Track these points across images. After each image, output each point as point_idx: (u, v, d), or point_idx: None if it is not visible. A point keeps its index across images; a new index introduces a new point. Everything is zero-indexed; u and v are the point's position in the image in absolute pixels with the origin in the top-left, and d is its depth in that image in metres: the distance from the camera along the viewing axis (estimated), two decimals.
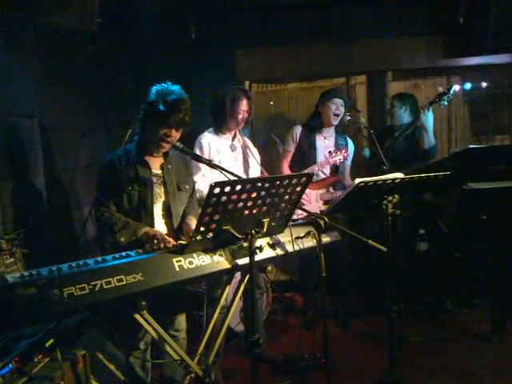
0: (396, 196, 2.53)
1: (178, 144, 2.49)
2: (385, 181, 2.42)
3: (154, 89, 2.51)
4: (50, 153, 3.38)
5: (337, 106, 3.86)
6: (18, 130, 3.02)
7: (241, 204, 2.12)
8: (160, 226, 2.60)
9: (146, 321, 2.15)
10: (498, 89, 5.52)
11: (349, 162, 4.07)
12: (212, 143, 3.29)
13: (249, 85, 5.32)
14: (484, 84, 5.56)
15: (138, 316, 2.12)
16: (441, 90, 4.22)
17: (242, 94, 3.31)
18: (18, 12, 2.55)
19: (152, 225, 2.55)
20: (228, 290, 2.50)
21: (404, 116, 4.22)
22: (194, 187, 2.87)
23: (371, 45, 4.98)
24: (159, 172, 2.63)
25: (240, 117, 3.29)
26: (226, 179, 2.30)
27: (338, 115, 3.87)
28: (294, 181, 2.24)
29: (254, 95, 5.40)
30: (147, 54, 4.48)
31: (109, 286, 1.89)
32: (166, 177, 2.62)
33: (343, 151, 3.76)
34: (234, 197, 2.06)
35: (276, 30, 4.85)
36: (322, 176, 3.95)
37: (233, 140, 3.42)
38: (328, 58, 5.02)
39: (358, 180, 2.37)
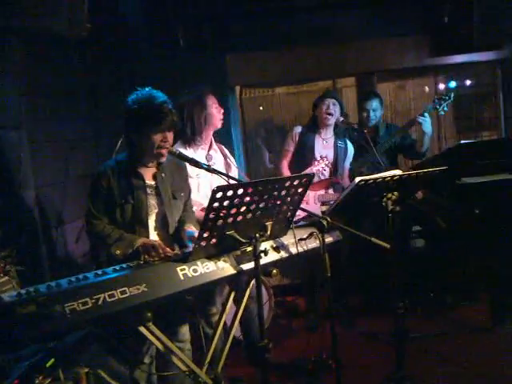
0: (395, 193, 2.50)
1: (175, 150, 2.44)
2: (384, 178, 2.40)
3: (133, 98, 2.44)
4: (39, 165, 3.29)
5: (328, 106, 3.86)
6: (5, 143, 2.93)
7: (243, 208, 2.07)
8: (153, 237, 2.52)
9: (152, 333, 2.08)
10: (482, 87, 5.56)
11: (348, 164, 4.05)
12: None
13: (239, 90, 5.31)
14: (468, 82, 5.59)
15: (142, 328, 2.06)
16: (427, 89, 4.26)
17: (203, 90, 3.15)
18: (5, 18, 2.47)
19: (147, 238, 2.47)
20: (232, 297, 2.43)
21: (377, 116, 4.24)
22: (190, 193, 2.79)
23: (360, 47, 4.99)
24: (153, 183, 2.55)
25: (216, 111, 3.13)
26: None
27: (330, 114, 3.87)
28: (296, 182, 2.20)
29: (244, 101, 5.39)
30: (137, 62, 4.43)
31: (112, 299, 1.82)
32: (160, 186, 2.55)
33: (325, 159, 3.70)
34: (237, 201, 2.02)
35: (266, 35, 4.83)
36: (321, 177, 3.92)
37: (209, 150, 3.23)
38: (317, 62, 5.01)
39: (358, 179, 2.35)
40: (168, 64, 4.52)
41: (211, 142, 3.24)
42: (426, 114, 3.92)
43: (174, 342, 2.57)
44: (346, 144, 4.03)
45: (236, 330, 3.63)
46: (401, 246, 4.34)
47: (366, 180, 2.34)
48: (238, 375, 3.30)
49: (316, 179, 3.80)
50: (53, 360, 2.23)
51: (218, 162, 3.27)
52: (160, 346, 2.16)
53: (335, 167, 3.96)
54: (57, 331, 1.73)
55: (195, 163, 2.44)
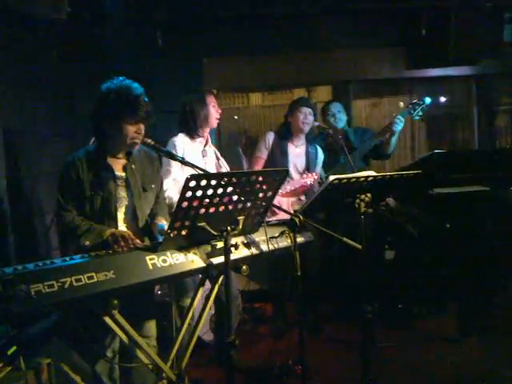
0: (368, 195, 2.53)
1: (149, 141, 2.43)
2: (358, 178, 2.42)
3: (109, 86, 2.42)
4: (11, 156, 3.24)
5: (305, 115, 3.89)
6: None
7: (216, 199, 2.07)
8: (124, 229, 2.49)
9: (117, 323, 2.05)
10: (456, 105, 5.70)
11: (318, 170, 4.08)
12: (186, 145, 3.24)
13: (216, 93, 5.32)
14: (443, 99, 5.72)
15: (108, 319, 2.03)
16: (401, 104, 4.35)
17: (206, 91, 3.38)
18: None
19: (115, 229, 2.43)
20: (201, 294, 2.41)
21: (343, 118, 4.31)
22: (161, 185, 2.77)
23: (336, 56, 5.08)
24: (123, 174, 2.52)
25: (214, 110, 3.31)
26: None
27: (307, 123, 3.90)
28: (271, 177, 2.21)
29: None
30: (114, 59, 4.40)
31: (79, 284, 1.79)
32: (130, 178, 2.51)
33: (314, 175, 3.77)
34: (210, 191, 2.02)
35: (243, 39, 4.88)
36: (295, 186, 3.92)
37: (204, 146, 3.39)
38: (294, 68, 5.08)
39: (332, 177, 2.36)
40: (145, 65, 4.50)
41: (207, 140, 3.40)
42: (401, 117, 3.99)
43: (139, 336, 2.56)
44: (316, 150, 4.07)
45: (207, 332, 3.66)
46: (374, 256, 4.42)
47: (340, 179, 2.36)
48: (202, 377, 3.26)
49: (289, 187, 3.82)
50: (15, 348, 2.17)
51: (211, 160, 3.41)
52: (124, 338, 2.13)
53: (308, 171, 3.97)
54: (21, 312, 1.69)
55: (170, 155, 2.43)
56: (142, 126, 2.44)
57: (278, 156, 3.90)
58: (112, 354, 2.54)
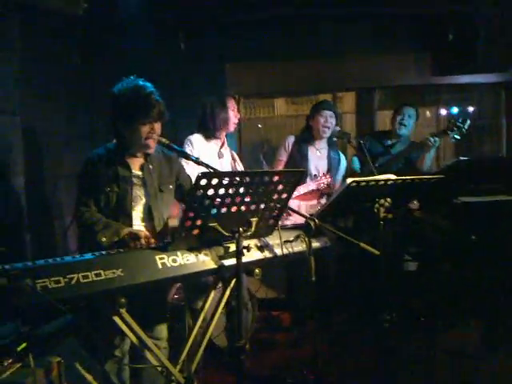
0: (388, 200, 2.45)
1: (164, 140, 2.40)
2: (377, 182, 2.34)
3: (119, 88, 2.42)
4: (31, 154, 3.26)
5: (326, 119, 3.82)
6: None
7: (228, 199, 2.03)
8: (141, 228, 2.47)
9: (125, 322, 2.01)
10: (484, 115, 5.53)
11: (340, 177, 4.00)
12: (201, 145, 3.25)
13: (237, 98, 5.29)
14: (471, 109, 5.57)
15: (116, 318, 2.00)
16: (428, 114, 4.21)
17: (231, 98, 3.37)
18: None
19: (130, 227, 2.43)
20: (213, 296, 2.37)
21: (409, 127, 4.13)
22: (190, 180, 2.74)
23: (360, 61, 5.00)
24: (139, 173, 2.52)
25: (234, 115, 3.33)
26: None
27: (327, 127, 3.83)
28: (285, 178, 2.16)
29: (243, 123, 5.37)
30: (136, 63, 4.43)
31: (86, 280, 1.77)
32: (146, 178, 2.51)
33: (327, 176, 3.71)
34: (222, 191, 1.98)
35: (266, 45, 4.85)
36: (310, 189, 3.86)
37: (220, 148, 3.39)
38: (317, 74, 5.03)
39: (350, 179, 2.30)
40: (167, 68, 4.51)
41: (223, 142, 3.42)
42: (437, 139, 3.86)
43: (150, 338, 2.52)
44: (339, 156, 4.00)
45: (221, 339, 3.61)
46: (394, 267, 4.31)
47: (359, 182, 2.29)
48: (214, 382, 3.20)
49: (309, 190, 3.76)
50: (25, 345, 2.16)
51: (227, 161, 3.44)
52: (133, 338, 2.10)
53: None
54: (26, 307, 1.68)
55: (184, 155, 2.41)
56: (156, 126, 2.43)
57: (298, 159, 3.84)
58: (121, 355, 2.52)
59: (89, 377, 2.64)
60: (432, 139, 3.81)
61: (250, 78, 5.05)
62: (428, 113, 5.55)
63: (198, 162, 2.38)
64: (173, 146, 2.41)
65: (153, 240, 2.29)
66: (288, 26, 4.87)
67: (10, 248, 2.44)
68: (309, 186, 3.70)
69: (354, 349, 3.71)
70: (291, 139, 3.94)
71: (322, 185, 3.67)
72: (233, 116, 3.34)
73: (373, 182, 2.32)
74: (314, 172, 3.86)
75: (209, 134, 3.31)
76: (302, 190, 3.65)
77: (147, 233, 2.33)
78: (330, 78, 5.05)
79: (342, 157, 4.04)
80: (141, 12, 4.11)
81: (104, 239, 2.31)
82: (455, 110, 5.30)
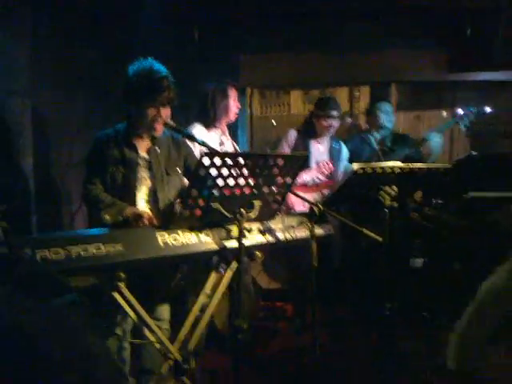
0: (394, 187, 2.43)
1: (171, 123, 2.41)
2: (384, 169, 2.33)
3: (134, 68, 2.44)
4: (41, 138, 3.28)
5: (330, 123, 3.80)
6: (9, 108, 2.93)
7: (231, 181, 2.04)
8: (145, 210, 2.48)
9: (125, 298, 2.03)
10: (503, 115, 5.43)
11: (341, 168, 3.98)
12: (202, 134, 3.21)
13: (250, 91, 5.28)
14: (488, 110, 5.45)
15: (116, 294, 2.01)
16: (444, 114, 4.14)
17: (228, 83, 3.34)
18: None
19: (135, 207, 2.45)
20: (213, 278, 2.37)
21: (390, 119, 4.12)
22: None
23: (376, 56, 4.93)
24: (146, 156, 2.53)
25: (234, 105, 3.31)
26: None
27: (331, 127, 3.83)
28: (289, 162, 2.16)
29: (256, 120, 5.35)
30: (150, 53, 4.44)
31: (86, 254, 1.79)
32: (153, 161, 2.52)
33: (330, 165, 3.72)
34: (225, 172, 1.98)
35: (280, 37, 4.83)
36: (317, 181, 3.87)
37: (221, 136, 3.38)
38: (332, 68, 4.98)
39: (356, 166, 2.28)
40: (181, 60, 4.50)
41: (224, 131, 3.41)
42: (436, 134, 3.81)
43: (152, 319, 2.54)
44: (340, 146, 3.98)
45: (224, 325, 3.62)
46: (400, 258, 4.28)
47: (365, 168, 2.28)
48: (216, 367, 3.21)
49: (312, 182, 3.78)
50: None
51: (228, 149, 3.42)
52: (132, 315, 2.11)
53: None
54: (26, 277, 1.70)
55: (190, 137, 2.41)
56: (163, 110, 2.44)
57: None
58: (122, 333, 2.53)
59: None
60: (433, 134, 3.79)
61: (265, 70, 5.00)
62: (444, 113, 5.48)
63: (204, 144, 2.38)
64: (180, 129, 2.42)
65: (155, 221, 2.31)
66: (304, 20, 4.83)
67: (16, 229, 2.48)
68: (312, 174, 3.71)
69: (354, 338, 3.71)
70: (293, 133, 3.93)
71: (325, 171, 3.67)
72: (233, 105, 3.31)
73: (379, 169, 2.30)
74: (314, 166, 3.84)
75: (209, 123, 3.29)
76: (304, 176, 3.66)
77: (150, 213, 2.34)
78: (344, 71, 4.99)
79: (343, 146, 4.02)
80: (156, 2, 4.12)
81: (108, 217, 2.33)
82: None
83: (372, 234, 2.34)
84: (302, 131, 3.95)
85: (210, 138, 3.27)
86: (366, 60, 4.96)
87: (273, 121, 5.25)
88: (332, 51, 4.91)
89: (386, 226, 2.42)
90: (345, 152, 3.99)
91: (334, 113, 3.80)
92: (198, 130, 3.24)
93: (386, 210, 2.43)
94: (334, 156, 3.92)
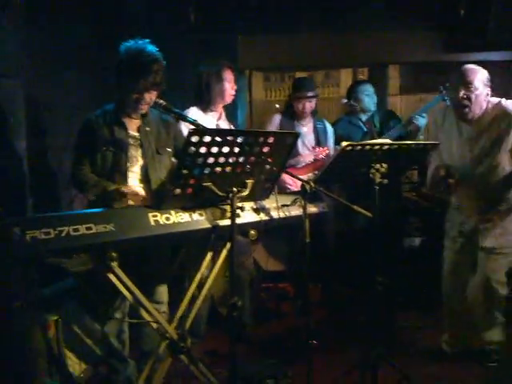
0: (384, 165, 2.43)
1: (160, 101, 2.39)
2: (373, 146, 2.33)
3: (125, 47, 2.44)
4: (34, 120, 3.27)
5: (303, 105, 3.79)
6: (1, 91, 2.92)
7: (222, 159, 2.03)
8: (138, 189, 2.48)
9: (120, 280, 2.04)
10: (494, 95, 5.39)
11: (331, 144, 3.96)
12: (198, 118, 3.16)
13: (249, 73, 5.25)
14: None
15: (111, 275, 2.03)
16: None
17: (224, 64, 3.24)
18: None
19: None
20: (209, 257, 2.38)
21: (374, 101, 4.10)
22: None
23: (372, 37, 4.89)
24: (136, 134, 2.53)
25: (229, 87, 3.22)
26: None
27: (306, 111, 3.83)
28: (280, 140, 2.15)
29: (260, 103, 5.31)
30: (146, 34, 4.41)
31: (76, 234, 1.80)
32: (143, 139, 2.53)
33: (326, 149, 3.73)
34: (215, 149, 1.98)
35: (279, 18, 4.76)
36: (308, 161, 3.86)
37: (218, 120, 3.31)
38: (329, 49, 4.94)
39: (344, 143, 2.28)
40: (177, 42, 4.47)
41: (221, 114, 3.33)
42: (424, 115, 3.79)
43: (150, 302, 2.55)
44: (324, 125, 3.98)
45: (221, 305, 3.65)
46: (397, 241, 4.30)
47: (354, 145, 2.27)
48: (216, 349, 3.24)
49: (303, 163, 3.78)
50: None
51: None
52: (128, 296, 2.13)
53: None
54: (17, 256, 1.72)
55: (181, 116, 2.40)
56: (148, 94, 2.43)
57: None
58: (121, 316, 2.56)
59: (88, 340, 2.72)
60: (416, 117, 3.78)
61: (262, 51, 4.96)
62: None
63: (196, 123, 2.37)
64: (170, 108, 2.39)
65: (141, 198, 2.35)
66: (302, 1, 4.80)
67: (11, 211, 2.49)
68: (307, 158, 3.72)
69: (351, 315, 3.78)
70: (277, 117, 3.91)
71: (321, 156, 3.68)
72: (229, 87, 3.22)
73: (368, 147, 2.30)
74: (301, 148, 3.84)
75: (205, 107, 3.23)
76: (301, 160, 3.69)
77: (135, 190, 2.35)
78: (342, 52, 4.96)
79: (327, 124, 4.02)
80: None
81: (92, 197, 2.37)
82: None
83: (362, 210, 2.35)
84: (285, 114, 3.93)
85: (207, 121, 3.20)
86: (362, 41, 4.93)
87: (277, 105, 5.21)
88: (329, 33, 4.87)
89: (376, 203, 2.42)
90: (330, 130, 3.98)
91: (309, 93, 3.78)
92: (193, 113, 3.18)
93: (376, 188, 2.42)
94: (319, 135, 3.91)
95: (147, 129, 2.55)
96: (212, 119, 3.26)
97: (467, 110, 2.75)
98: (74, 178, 2.52)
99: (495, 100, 2.84)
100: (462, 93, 2.71)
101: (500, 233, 2.89)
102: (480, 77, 2.74)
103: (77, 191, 2.71)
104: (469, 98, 2.72)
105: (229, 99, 3.28)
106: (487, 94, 2.78)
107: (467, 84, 2.71)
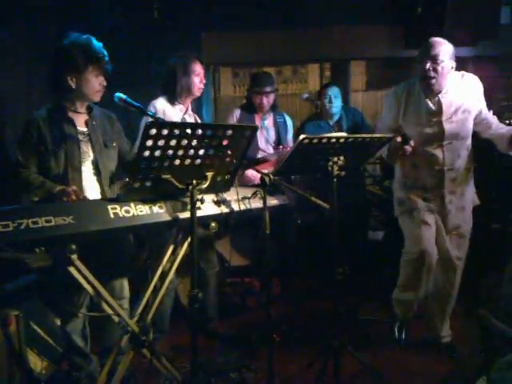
0: (341, 158, 2.49)
1: (121, 95, 2.39)
2: (329, 139, 2.39)
3: (69, 41, 2.43)
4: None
5: (261, 99, 3.83)
6: None
7: (181, 151, 2.06)
8: (92, 183, 2.50)
9: (80, 273, 2.05)
10: None
11: (290, 137, 4.03)
12: (166, 110, 3.16)
13: (213, 69, 5.28)
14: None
15: (72, 269, 2.03)
16: None
17: (193, 57, 3.22)
18: None
19: (80, 183, 2.45)
20: (171, 249, 2.41)
21: (338, 104, 4.19)
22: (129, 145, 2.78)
23: (334, 33, 5.02)
24: (85, 129, 2.53)
25: (197, 80, 3.20)
26: None
27: (264, 105, 3.86)
28: (239, 133, 2.19)
29: (229, 99, 5.31)
30: (108, 29, 4.38)
31: (36, 226, 1.80)
32: (91, 134, 2.53)
33: (287, 148, 3.74)
34: (173, 142, 2.00)
35: (243, 14, 4.81)
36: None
37: (185, 114, 3.30)
38: (291, 45, 5.03)
39: (302, 136, 2.33)
40: (141, 36, 4.48)
41: (187, 108, 3.31)
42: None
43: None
44: (284, 118, 4.03)
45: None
46: (360, 235, 4.40)
47: (311, 138, 2.33)
48: (180, 344, 3.25)
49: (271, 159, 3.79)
50: None
51: None
52: (90, 290, 2.13)
53: (279, 143, 3.92)
54: None
55: (141, 110, 2.40)
56: (102, 79, 2.48)
57: None
58: (85, 310, 2.55)
59: (51, 339, 2.69)
60: None
61: (226, 48, 5.01)
62: None
63: (154, 117, 2.39)
64: (130, 102, 2.40)
65: (83, 195, 2.33)
66: None
67: None
68: (271, 156, 3.75)
69: (314, 307, 3.82)
70: (237, 111, 3.94)
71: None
72: (197, 81, 3.20)
73: (325, 140, 2.36)
74: (263, 142, 3.88)
75: (172, 99, 3.21)
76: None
77: (76, 189, 2.30)
78: (303, 48, 5.04)
79: (287, 117, 4.07)
80: None
81: (36, 199, 2.33)
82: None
83: (320, 202, 2.41)
84: (245, 108, 3.95)
85: (174, 113, 3.20)
86: (324, 37, 5.03)
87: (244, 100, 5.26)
88: (291, 29, 4.95)
89: (333, 195, 2.48)
90: (289, 123, 4.04)
91: (267, 89, 3.81)
92: (160, 104, 3.17)
93: (334, 180, 2.49)
94: (280, 129, 3.95)
95: (94, 123, 2.55)
96: (179, 112, 3.24)
97: (433, 81, 2.77)
98: (17, 179, 2.44)
99: (458, 74, 2.91)
100: (428, 65, 2.75)
101: (460, 208, 2.98)
102: (446, 49, 2.77)
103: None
104: (435, 70, 2.75)
105: (198, 92, 3.26)
106: (452, 68, 2.82)
107: (434, 56, 2.74)
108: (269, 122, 3.96)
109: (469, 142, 2.97)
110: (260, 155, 3.79)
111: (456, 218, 2.98)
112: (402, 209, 3.09)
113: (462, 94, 2.88)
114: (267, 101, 3.84)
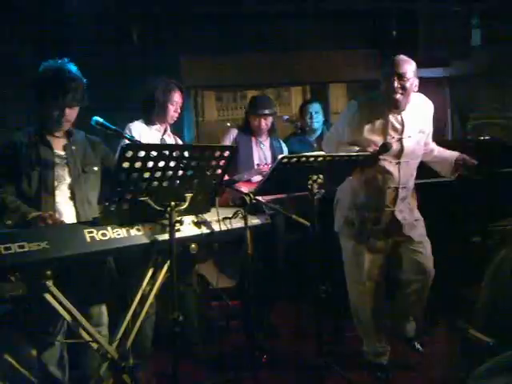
0: (321, 176, 2.50)
1: (98, 119, 2.37)
2: (308, 158, 2.39)
3: (44, 66, 2.42)
4: None
5: (259, 122, 3.80)
6: None
7: (159, 173, 2.04)
8: (67, 207, 2.44)
9: (56, 299, 2.00)
10: None
11: None
12: (142, 132, 3.12)
13: (194, 92, 5.30)
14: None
15: (48, 296, 1.98)
16: None
17: (175, 86, 3.21)
18: None
19: (53, 207, 2.39)
20: (150, 273, 2.37)
21: (320, 119, 4.24)
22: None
23: (312, 57, 5.10)
24: (62, 153, 2.49)
25: (172, 109, 3.18)
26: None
27: (262, 128, 3.84)
28: (217, 153, 2.18)
29: (213, 123, 5.34)
30: (88, 53, 4.38)
31: (8, 252, 1.75)
32: (69, 158, 2.48)
33: (269, 165, 3.68)
34: (150, 164, 1.99)
35: (220, 37, 4.90)
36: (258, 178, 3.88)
37: (163, 135, 3.28)
38: (270, 68, 5.09)
39: (280, 156, 2.34)
40: (120, 60, 4.49)
41: (166, 129, 3.29)
42: None
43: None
44: (280, 144, 4.02)
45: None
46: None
47: (290, 158, 2.34)
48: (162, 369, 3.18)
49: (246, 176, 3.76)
50: None
51: None
52: (67, 317, 2.08)
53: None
54: None
55: (117, 133, 2.39)
56: (70, 110, 2.42)
57: (242, 151, 3.84)
58: (63, 338, 2.48)
59: (25, 370, 2.60)
60: None
61: (204, 71, 5.05)
62: None
63: (132, 140, 2.37)
64: (107, 125, 2.38)
65: (59, 220, 2.27)
66: (242, 21, 4.92)
67: None
68: (251, 174, 3.72)
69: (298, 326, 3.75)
70: (235, 132, 3.90)
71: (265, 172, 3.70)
72: (172, 109, 3.19)
73: (303, 159, 2.37)
74: (256, 159, 3.84)
75: (150, 119, 3.20)
76: (245, 177, 3.68)
77: (53, 214, 2.26)
78: (281, 71, 5.11)
79: (283, 144, 4.06)
80: (94, 3, 4.07)
81: (9, 222, 2.27)
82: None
83: (300, 219, 2.40)
84: (242, 130, 3.93)
85: (151, 135, 3.17)
86: (303, 61, 5.10)
87: (228, 124, 5.29)
88: (270, 52, 5.01)
89: (314, 213, 2.48)
90: (285, 150, 4.04)
91: (265, 111, 3.79)
92: (136, 126, 3.15)
93: (315, 198, 2.48)
94: (276, 154, 3.92)
95: (73, 148, 2.51)
96: (157, 133, 3.23)
97: (401, 98, 2.76)
98: None
99: (416, 94, 2.91)
100: (396, 82, 2.73)
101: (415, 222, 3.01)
102: (412, 67, 2.78)
103: None
104: (403, 87, 2.75)
105: (171, 120, 3.25)
106: (416, 86, 2.83)
107: (401, 74, 2.73)
108: (265, 146, 3.94)
109: (418, 162, 2.99)
110: (236, 176, 3.76)
111: (412, 233, 2.98)
112: (350, 231, 3.03)
113: (419, 114, 2.91)
114: (265, 123, 3.81)
